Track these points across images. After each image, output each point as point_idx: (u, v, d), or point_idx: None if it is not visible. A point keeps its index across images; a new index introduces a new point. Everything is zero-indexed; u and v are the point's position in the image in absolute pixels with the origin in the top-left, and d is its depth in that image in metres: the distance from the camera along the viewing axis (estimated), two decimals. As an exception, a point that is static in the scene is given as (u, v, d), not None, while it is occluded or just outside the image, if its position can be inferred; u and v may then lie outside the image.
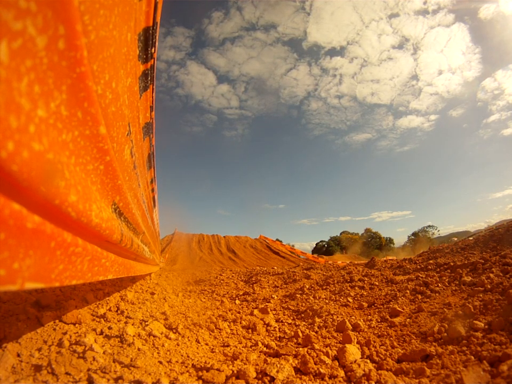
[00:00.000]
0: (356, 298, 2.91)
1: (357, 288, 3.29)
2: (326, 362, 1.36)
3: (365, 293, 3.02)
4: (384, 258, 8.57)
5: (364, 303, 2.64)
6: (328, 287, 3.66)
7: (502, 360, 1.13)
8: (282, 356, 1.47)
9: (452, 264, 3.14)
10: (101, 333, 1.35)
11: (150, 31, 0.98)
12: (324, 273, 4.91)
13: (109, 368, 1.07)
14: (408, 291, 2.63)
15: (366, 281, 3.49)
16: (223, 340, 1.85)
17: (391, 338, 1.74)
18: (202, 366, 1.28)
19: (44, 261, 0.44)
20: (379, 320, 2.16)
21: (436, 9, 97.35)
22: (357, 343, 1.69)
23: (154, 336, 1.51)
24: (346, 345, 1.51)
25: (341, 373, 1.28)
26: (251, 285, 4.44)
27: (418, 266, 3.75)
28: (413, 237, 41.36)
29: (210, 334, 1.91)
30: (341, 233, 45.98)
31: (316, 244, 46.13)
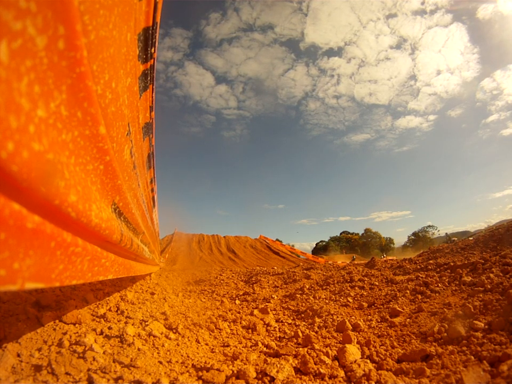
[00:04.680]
0: (355, 298, 2.91)
1: (357, 288, 3.29)
2: (326, 362, 1.36)
3: (365, 293, 3.02)
4: (384, 258, 8.57)
5: (363, 303, 2.64)
6: (328, 287, 3.66)
7: (502, 360, 1.13)
8: (282, 356, 1.47)
9: (451, 264, 3.14)
10: (101, 333, 1.35)
11: (150, 31, 0.98)
12: (324, 273, 4.91)
13: (109, 368, 1.07)
14: (408, 291, 2.63)
15: (366, 281, 3.49)
16: (223, 340, 1.85)
17: (391, 338, 1.74)
18: (202, 366, 1.28)
19: (44, 261, 0.44)
20: (379, 320, 2.16)
21: (433, 10, 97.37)
22: (357, 343, 1.69)
23: (154, 336, 1.51)
24: (346, 345, 1.51)
25: (341, 373, 1.28)
26: (251, 285, 4.44)
27: (418, 266, 3.76)
28: (413, 237, 41.41)
29: (210, 334, 1.91)
30: (341, 233, 46.06)
31: (316, 244, 46.19)
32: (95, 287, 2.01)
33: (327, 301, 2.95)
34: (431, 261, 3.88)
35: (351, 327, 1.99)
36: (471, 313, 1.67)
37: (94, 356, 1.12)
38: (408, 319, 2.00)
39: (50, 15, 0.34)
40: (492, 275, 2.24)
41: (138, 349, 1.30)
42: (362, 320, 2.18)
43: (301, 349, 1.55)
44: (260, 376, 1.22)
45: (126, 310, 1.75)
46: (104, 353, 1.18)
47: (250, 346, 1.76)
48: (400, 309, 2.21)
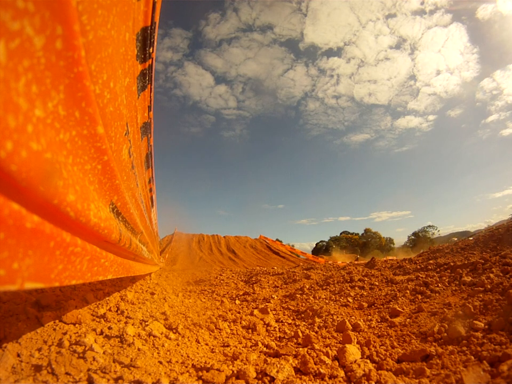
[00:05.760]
0: (356, 299, 2.91)
1: (357, 288, 3.29)
2: (326, 362, 1.36)
3: (365, 293, 3.01)
4: (384, 258, 8.56)
5: (363, 303, 2.64)
6: (328, 287, 3.66)
7: (502, 360, 1.13)
8: (282, 356, 1.47)
9: (452, 264, 3.14)
10: (101, 333, 1.36)
11: (148, 31, 0.98)
12: (324, 273, 4.91)
13: (109, 368, 1.07)
14: (408, 291, 2.63)
15: (366, 281, 3.49)
16: (223, 340, 1.85)
17: (391, 338, 1.74)
18: (202, 366, 1.28)
19: (43, 260, 0.44)
20: (379, 320, 2.15)
21: (433, 10, 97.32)
22: (357, 343, 1.68)
23: (154, 336, 1.51)
24: (346, 345, 1.51)
25: (341, 373, 1.28)
26: (251, 285, 4.44)
27: (418, 266, 3.75)
28: (413, 237, 41.34)
29: (210, 334, 1.91)
30: (341, 233, 46.03)
31: (316, 244, 46.16)
32: (95, 287, 2.01)
33: (327, 301, 2.95)
34: (431, 261, 3.87)
35: (351, 327, 1.98)
36: (471, 313, 1.67)
37: (94, 356, 1.12)
38: (408, 319, 1.99)
39: (48, 15, 0.34)
40: (492, 275, 2.24)
41: (138, 349, 1.30)
42: (362, 320, 2.18)
43: (301, 349, 1.55)
44: (260, 376, 1.22)
45: (126, 310, 1.75)
46: (104, 353, 1.18)
47: (250, 346, 1.76)
48: (400, 309, 2.21)
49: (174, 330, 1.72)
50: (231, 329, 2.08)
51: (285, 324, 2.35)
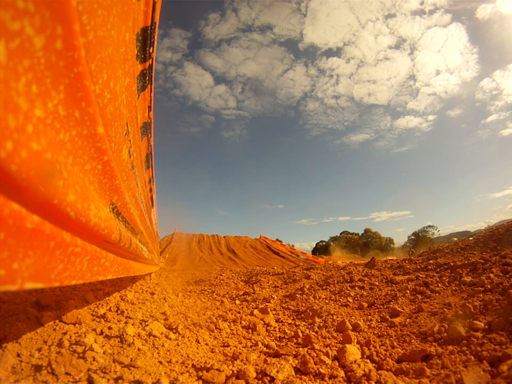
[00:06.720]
0: (356, 299, 2.91)
1: (357, 288, 3.29)
2: (326, 362, 1.36)
3: (365, 293, 3.01)
4: (384, 258, 8.56)
5: (364, 303, 2.64)
6: (328, 287, 3.66)
7: (502, 360, 1.13)
8: (282, 356, 1.47)
9: (452, 264, 3.14)
10: (101, 333, 1.36)
11: (148, 31, 0.98)
12: (324, 273, 4.91)
13: (109, 368, 1.07)
14: (408, 291, 2.63)
15: (366, 281, 3.49)
16: (223, 340, 1.85)
17: (391, 338, 1.74)
18: (202, 366, 1.28)
19: (43, 260, 0.44)
20: (379, 320, 2.15)
21: (432, 10, 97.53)
22: (357, 343, 1.68)
23: (154, 336, 1.51)
24: (346, 345, 1.51)
25: (341, 373, 1.28)
26: (251, 285, 4.44)
27: (418, 266, 3.75)
28: (413, 237, 41.30)
29: (210, 334, 1.91)
30: (341, 233, 46.04)
31: (316, 244, 46.16)
32: (95, 287, 2.01)
33: (327, 301, 2.95)
34: (431, 261, 3.87)
35: (351, 327, 1.98)
36: (471, 313, 1.67)
37: (94, 356, 1.12)
38: (408, 319, 1.99)
39: (48, 15, 0.34)
40: (492, 275, 2.24)
41: (138, 349, 1.30)
42: (362, 320, 2.18)
43: (301, 349, 1.55)
44: (260, 376, 1.22)
45: (126, 310, 1.75)
46: (104, 353, 1.18)
47: (250, 346, 1.76)
48: (400, 309, 2.21)
49: (174, 330, 1.72)
50: (231, 329, 2.08)
51: (285, 323, 2.35)
